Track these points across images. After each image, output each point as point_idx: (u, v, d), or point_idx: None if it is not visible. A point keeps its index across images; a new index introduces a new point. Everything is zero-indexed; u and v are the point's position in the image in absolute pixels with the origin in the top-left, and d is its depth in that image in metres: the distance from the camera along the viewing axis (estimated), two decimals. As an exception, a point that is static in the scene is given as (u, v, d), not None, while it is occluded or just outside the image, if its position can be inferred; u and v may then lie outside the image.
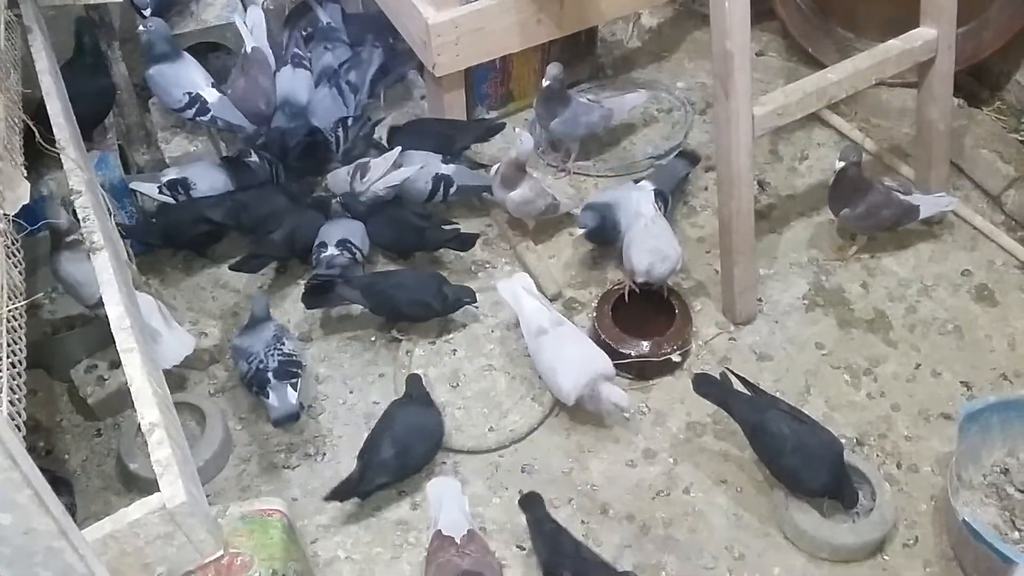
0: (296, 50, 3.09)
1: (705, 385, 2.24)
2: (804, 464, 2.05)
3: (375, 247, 2.75)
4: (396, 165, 2.75)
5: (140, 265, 2.52)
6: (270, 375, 2.27)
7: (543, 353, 2.35)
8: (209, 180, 2.78)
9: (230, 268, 2.65)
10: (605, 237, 2.62)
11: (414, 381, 2.35)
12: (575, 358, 2.30)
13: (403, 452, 2.18)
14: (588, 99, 2.98)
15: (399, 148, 2.79)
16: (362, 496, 2.19)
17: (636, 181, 2.75)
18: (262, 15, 3.00)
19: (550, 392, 2.39)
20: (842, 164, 2.55)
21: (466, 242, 2.71)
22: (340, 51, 3.11)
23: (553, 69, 2.78)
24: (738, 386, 2.23)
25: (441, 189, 2.77)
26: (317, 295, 2.53)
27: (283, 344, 2.34)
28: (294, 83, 3.01)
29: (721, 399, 2.21)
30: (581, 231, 2.59)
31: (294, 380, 2.29)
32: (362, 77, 3.06)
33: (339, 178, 2.82)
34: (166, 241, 2.75)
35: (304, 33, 3.19)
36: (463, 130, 2.96)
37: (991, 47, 2.94)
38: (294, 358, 2.33)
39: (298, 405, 2.28)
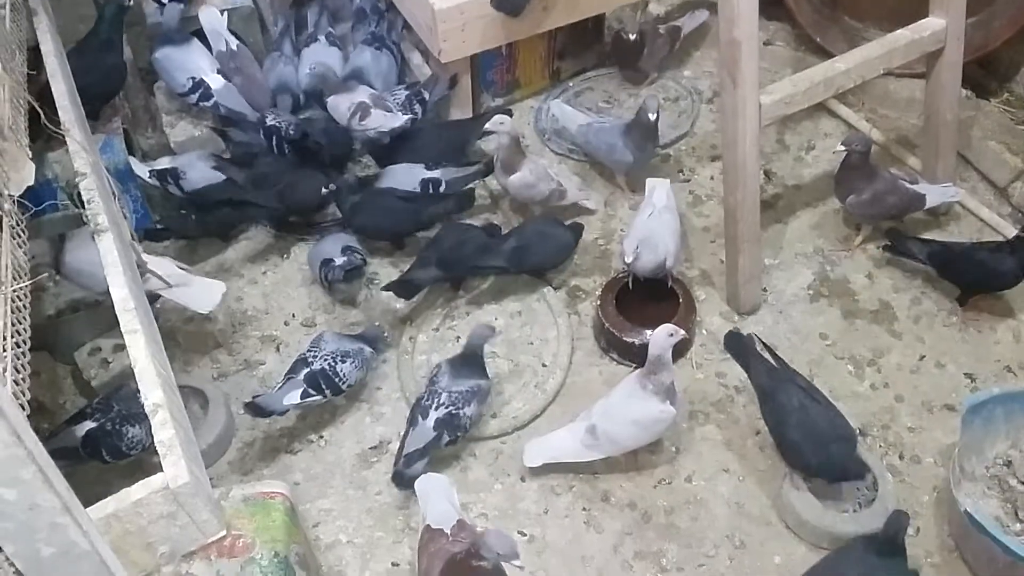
0: (331, 28, 3.09)
1: (734, 343, 2.26)
2: (804, 440, 2.07)
3: (368, 239, 2.71)
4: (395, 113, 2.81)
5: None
6: None
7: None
8: (200, 172, 2.74)
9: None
10: None
11: None
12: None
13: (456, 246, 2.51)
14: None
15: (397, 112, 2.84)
16: (414, 289, 2.54)
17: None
18: (216, 12, 2.96)
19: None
20: (843, 149, 2.54)
21: (466, 200, 2.74)
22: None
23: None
24: (764, 354, 2.23)
25: (430, 189, 2.76)
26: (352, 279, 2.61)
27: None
28: (327, 59, 2.97)
29: (744, 359, 2.23)
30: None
31: None
32: (399, 35, 3.10)
33: (339, 110, 2.82)
34: (200, 230, 2.75)
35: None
36: (470, 127, 2.93)
37: (1000, 38, 2.92)
38: None
39: None
